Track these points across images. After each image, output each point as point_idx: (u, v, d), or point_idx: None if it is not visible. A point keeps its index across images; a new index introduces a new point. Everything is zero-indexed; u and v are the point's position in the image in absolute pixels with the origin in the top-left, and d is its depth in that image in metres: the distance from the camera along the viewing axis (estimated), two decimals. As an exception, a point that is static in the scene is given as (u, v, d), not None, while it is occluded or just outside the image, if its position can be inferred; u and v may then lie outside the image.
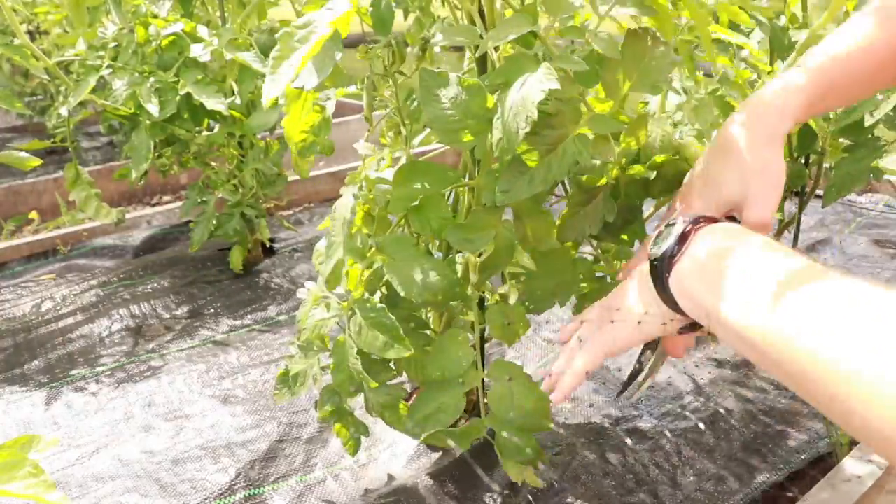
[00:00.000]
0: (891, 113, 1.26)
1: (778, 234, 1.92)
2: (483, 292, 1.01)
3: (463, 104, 0.81)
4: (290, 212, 2.63)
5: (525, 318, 0.99)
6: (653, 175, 0.96)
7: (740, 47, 1.34)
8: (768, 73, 1.28)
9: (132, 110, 1.80)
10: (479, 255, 0.97)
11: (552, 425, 1.32)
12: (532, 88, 0.75)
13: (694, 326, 0.70)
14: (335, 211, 0.92)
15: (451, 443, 1.10)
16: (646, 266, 0.70)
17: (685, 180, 0.85)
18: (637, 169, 0.95)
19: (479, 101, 0.81)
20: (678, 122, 1.26)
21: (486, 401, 1.04)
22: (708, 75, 1.45)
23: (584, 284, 1.06)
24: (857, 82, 0.77)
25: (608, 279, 1.08)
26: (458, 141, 0.83)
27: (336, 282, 0.90)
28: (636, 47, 0.87)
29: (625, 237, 1.04)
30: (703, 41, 0.97)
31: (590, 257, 1.08)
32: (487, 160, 0.89)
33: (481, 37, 0.82)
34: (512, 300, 0.97)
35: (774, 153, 0.74)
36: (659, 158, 0.97)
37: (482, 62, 0.94)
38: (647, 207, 1.06)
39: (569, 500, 1.16)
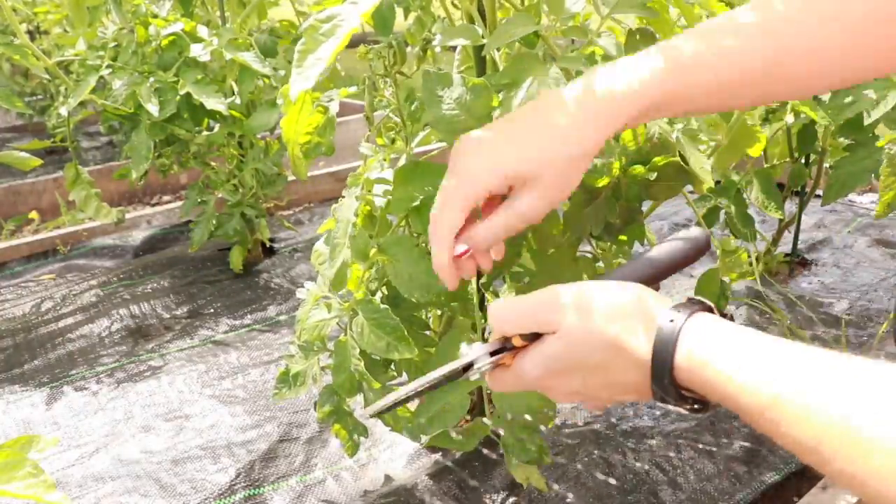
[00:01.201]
0: (891, 111, 1.25)
1: (778, 234, 1.93)
2: (483, 293, 1.01)
3: (466, 104, 0.81)
4: (290, 212, 2.63)
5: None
6: (653, 176, 0.96)
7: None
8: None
9: (132, 110, 1.80)
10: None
11: (553, 424, 1.32)
12: (539, 91, 0.75)
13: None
14: (337, 213, 0.92)
15: (455, 444, 1.10)
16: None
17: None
18: (638, 170, 0.95)
19: (483, 101, 0.81)
20: (673, 121, 1.27)
21: (489, 400, 1.04)
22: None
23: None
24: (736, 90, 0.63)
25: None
26: None
27: (341, 284, 0.90)
28: (637, 46, 0.87)
29: (623, 238, 1.04)
30: None
31: (587, 256, 1.08)
32: None
33: (483, 36, 0.82)
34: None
35: (590, 147, 0.63)
36: (659, 160, 0.97)
37: (481, 61, 0.94)
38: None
39: (569, 500, 1.16)
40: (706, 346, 0.52)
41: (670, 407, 0.56)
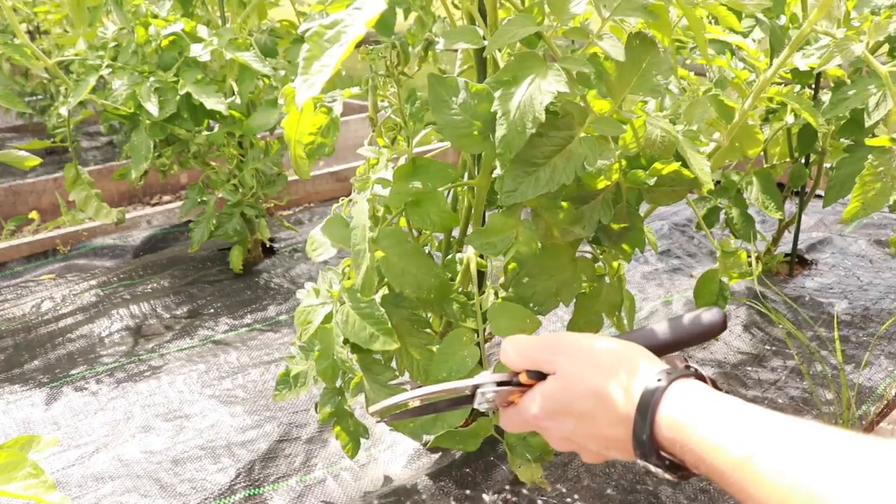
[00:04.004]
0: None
1: (778, 234, 1.93)
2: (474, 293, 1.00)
3: (471, 109, 0.81)
4: (290, 212, 2.63)
5: (534, 317, 0.99)
6: (653, 181, 0.97)
7: (739, 47, 1.34)
8: (763, 70, 1.28)
9: (132, 110, 1.80)
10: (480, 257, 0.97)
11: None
12: (540, 90, 0.75)
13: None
14: (354, 218, 0.91)
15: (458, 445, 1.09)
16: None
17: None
18: (639, 174, 0.95)
19: (486, 105, 0.82)
20: (675, 120, 1.27)
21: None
22: (700, 74, 1.45)
23: (585, 284, 1.06)
24: None
25: (607, 279, 1.08)
26: (472, 145, 0.83)
27: (370, 290, 0.89)
28: (637, 51, 0.87)
29: (626, 246, 1.04)
30: (698, 42, 0.97)
31: (586, 257, 1.08)
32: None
33: (483, 38, 0.82)
34: (491, 299, 0.97)
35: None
36: (659, 166, 0.97)
37: (482, 62, 0.94)
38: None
39: (569, 500, 1.16)
40: (686, 409, 0.54)
41: (652, 468, 0.57)
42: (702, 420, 0.53)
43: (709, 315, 0.69)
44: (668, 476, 0.56)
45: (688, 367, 0.59)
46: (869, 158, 1.12)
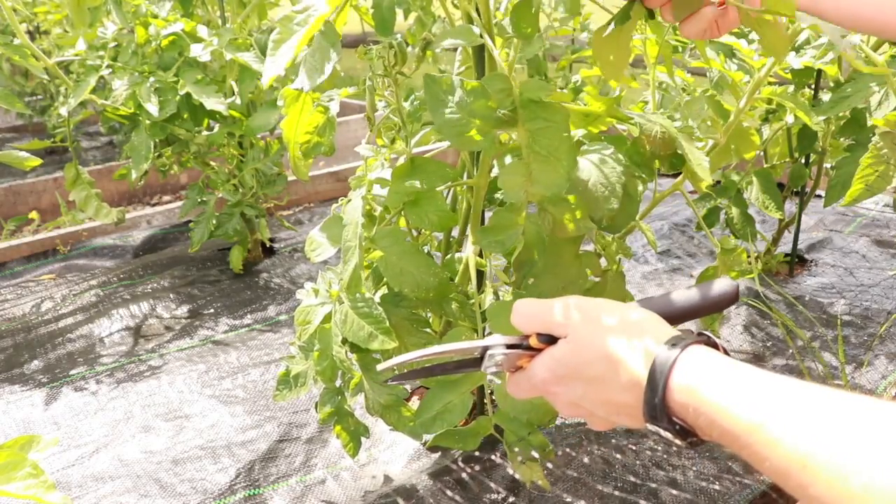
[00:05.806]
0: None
1: (778, 234, 1.92)
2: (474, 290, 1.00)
3: (467, 106, 0.81)
4: (290, 212, 2.63)
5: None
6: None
7: (734, 48, 1.34)
8: (758, 69, 1.28)
9: (132, 110, 1.80)
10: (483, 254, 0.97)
11: (554, 423, 1.32)
12: None
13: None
14: (346, 215, 0.91)
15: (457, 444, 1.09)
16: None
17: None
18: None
19: (482, 101, 0.81)
20: (673, 117, 1.27)
21: (492, 398, 1.04)
22: (700, 75, 1.45)
23: (590, 280, 1.06)
24: None
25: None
26: (470, 143, 0.83)
27: (356, 286, 0.89)
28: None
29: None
30: (698, 44, 0.98)
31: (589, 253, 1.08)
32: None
33: (480, 36, 0.82)
34: (490, 299, 0.97)
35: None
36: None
37: (481, 60, 0.94)
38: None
39: (569, 499, 1.16)
40: (699, 374, 0.54)
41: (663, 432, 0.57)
42: (715, 384, 0.53)
43: (721, 285, 0.69)
44: (677, 441, 0.57)
45: (700, 333, 0.59)
46: (872, 141, 1.12)
